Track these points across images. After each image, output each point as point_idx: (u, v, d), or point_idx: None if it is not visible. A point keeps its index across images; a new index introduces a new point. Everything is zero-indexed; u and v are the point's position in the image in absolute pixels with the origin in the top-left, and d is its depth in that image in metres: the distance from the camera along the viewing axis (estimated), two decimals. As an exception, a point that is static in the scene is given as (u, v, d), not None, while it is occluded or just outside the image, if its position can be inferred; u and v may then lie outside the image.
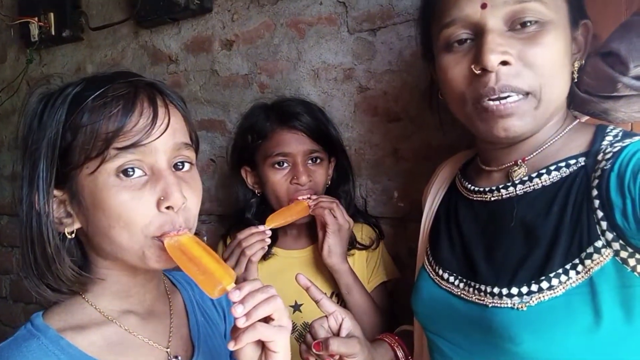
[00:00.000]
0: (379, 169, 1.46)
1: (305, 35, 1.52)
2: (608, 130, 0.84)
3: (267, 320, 0.71)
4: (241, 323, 0.68)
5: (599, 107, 0.90)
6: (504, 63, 0.78)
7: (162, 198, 0.74)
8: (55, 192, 0.76)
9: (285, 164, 1.30)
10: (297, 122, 1.29)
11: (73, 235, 0.78)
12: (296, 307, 1.32)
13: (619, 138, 0.81)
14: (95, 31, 1.90)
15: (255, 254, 1.20)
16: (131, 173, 0.73)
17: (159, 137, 0.74)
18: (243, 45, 1.64)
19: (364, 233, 1.38)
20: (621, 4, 1.03)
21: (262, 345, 0.72)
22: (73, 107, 0.73)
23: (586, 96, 0.89)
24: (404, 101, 1.40)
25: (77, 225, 0.78)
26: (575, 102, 0.91)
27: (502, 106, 0.79)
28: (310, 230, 1.38)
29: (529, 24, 0.79)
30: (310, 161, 1.31)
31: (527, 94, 0.79)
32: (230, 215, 1.61)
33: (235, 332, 0.70)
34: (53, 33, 1.93)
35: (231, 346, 0.69)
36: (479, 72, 0.80)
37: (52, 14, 1.92)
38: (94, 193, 0.73)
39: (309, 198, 1.28)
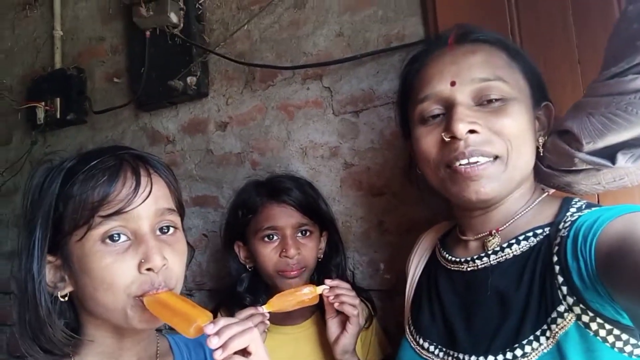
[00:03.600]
0: (366, 242, 1.51)
1: (294, 117, 1.62)
2: (573, 202, 0.90)
3: (245, 355, 0.74)
4: (218, 355, 0.71)
5: (562, 180, 0.96)
6: (472, 132, 0.85)
7: (142, 260, 0.79)
8: (50, 258, 0.82)
9: (275, 237, 1.31)
10: (286, 196, 1.32)
11: (66, 298, 0.83)
12: None
13: (582, 209, 0.87)
14: (98, 114, 2.01)
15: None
16: (116, 238, 0.79)
17: (141, 204, 0.80)
18: (236, 127, 1.74)
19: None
20: (578, 84, 1.13)
21: None
22: (66, 180, 0.81)
23: (549, 171, 0.95)
24: (386, 177, 1.47)
25: (69, 289, 0.83)
26: (541, 176, 0.97)
27: (470, 168, 0.86)
28: None
29: (494, 100, 0.87)
30: (300, 234, 1.32)
31: (495, 157, 0.86)
32: (220, 289, 1.63)
33: None
34: (58, 116, 2.03)
35: None
36: (449, 139, 0.87)
37: (58, 99, 2.03)
38: (81, 258, 0.79)
39: (325, 288, 1.18)
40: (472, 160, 0.86)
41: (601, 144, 0.84)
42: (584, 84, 1.12)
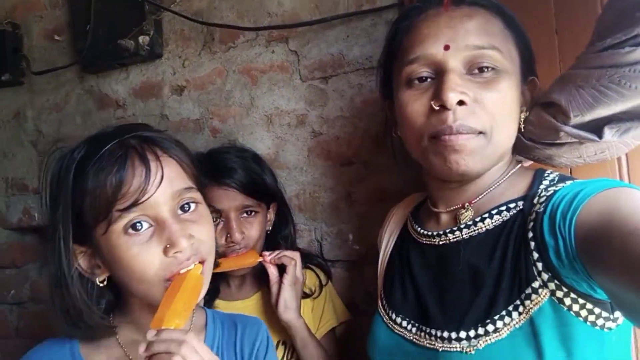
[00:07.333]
0: (334, 212, 1.47)
1: (258, 82, 1.54)
2: (546, 174, 0.89)
3: None
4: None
5: (544, 153, 0.96)
6: (461, 103, 0.82)
7: (168, 246, 0.79)
8: (81, 249, 0.83)
9: (218, 220, 1.26)
10: (228, 178, 1.25)
11: (105, 283, 0.86)
12: None
13: (554, 182, 0.86)
14: (37, 75, 1.84)
15: None
16: (138, 227, 0.79)
17: (155, 191, 0.79)
18: (194, 91, 1.64)
19: (306, 279, 1.35)
20: (555, 55, 1.12)
21: None
22: (77, 175, 0.80)
23: (531, 143, 0.94)
24: (355, 146, 1.43)
25: (106, 275, 0.85)
26: (521, 148, 0.96)
27: (455, 136, 0.82)
28: (253, 278, 1.36)
29: (485, 70, 0.84)
30: (244, 214, 1.28)
31: (479, 133, 0.83)
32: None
33: None
34: (-9, 77, 1.85)
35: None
36: (438, 108, 0.83)
37: (-10, 58, 1.85)
38: (110, 250, 0.80)
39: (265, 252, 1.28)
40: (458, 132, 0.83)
41: (589, 117, 0.83)
42: (561, 54, 1.11)
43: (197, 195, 0.88)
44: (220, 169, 1.27)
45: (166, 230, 0.79)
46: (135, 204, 0.78)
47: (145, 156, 0.81)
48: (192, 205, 0.86)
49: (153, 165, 0.80)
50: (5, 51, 1.84)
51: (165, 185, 0.80)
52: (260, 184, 1.31)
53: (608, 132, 0.84)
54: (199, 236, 0.83)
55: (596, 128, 0.85)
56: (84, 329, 0.84)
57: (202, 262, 0.84)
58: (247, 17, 1.54)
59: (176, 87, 1.66)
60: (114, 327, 0.88)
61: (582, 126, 0.86)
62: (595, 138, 0.85)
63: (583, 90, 0.81)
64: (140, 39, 1.61)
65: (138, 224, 0.79)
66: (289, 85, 1.50)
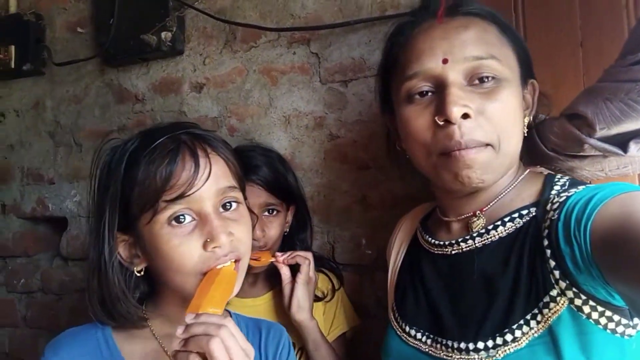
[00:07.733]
0: (347, 216, 1.47)
1: (278, 82, 1.54)
2: (556, 179, 0.89)
3: None
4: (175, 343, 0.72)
5: (566, 165, 0.95)
6: (465, 116, 0.81)
7: (208, 240, 0.82)
8: (124, 237, 0.87)
9: None
10: (254, 175, 1.26)
11: (142, 272, 0.89)
12: None
13: (566, 187, 0.86)
14: (58, 66, 1.86)
15: None
16: (182, 220, 0.83)
17: (202, 186, 0.83)
18: (214, 89, 1.64)
19: (318, 282, 1.35)
20: (579, 68, 1.12)
21: None
22: (128, 166, 0.84)
23: (554, 154, 0.94)
24: (372, 150, 1.43)
25: (144, 265, 0.89)
26: (543, 159, 0.96)
27: (465, 151, 0.82)
28: (267, 276, 1.36)
29: (486, 80, 0.83)
30: (266, 212, 1.29)
31: (487, 145, 0.83)
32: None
33: None
34: (13, 66, 1.87)
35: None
36: (442, 123, 0.83)
37: (13, 47, 1.86)
38: (151, 240, 0.83)
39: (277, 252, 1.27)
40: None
41: (615, 130, 0.83)
42: (585, 67, 1.11)
43: (239, 195, 0.91)
44: (247, 165, 1.26)
45: (208, 225, 0.82)
46: (182, 196, 0.81)
47: (196, 152, 0.84)
48: (234, 204, 0.89)
49: (202, 161, 0.84)
50: (28, 41, 1.85)
51: (211, 181, 0.84)
52: (284, 183, 1.32)
53: (633, 147, 0.84)
54: (238, 235, 0.86)
55: (621, 142, 0.85)
56: (117, 317, 0.87)
57: (237, 261, 0.86)
58: (269, 17, 1.55)
59: (196, 84, 1.67)
60: (146, 319, 0.91)
61: (607, 139, 0.86)
62: (620, 152, 0.85)
63: (611, 103, 0.81)
64: (163, 34, 1.61)
65: (182, 217, 0.82)
66: (309, 87, 1.50)
